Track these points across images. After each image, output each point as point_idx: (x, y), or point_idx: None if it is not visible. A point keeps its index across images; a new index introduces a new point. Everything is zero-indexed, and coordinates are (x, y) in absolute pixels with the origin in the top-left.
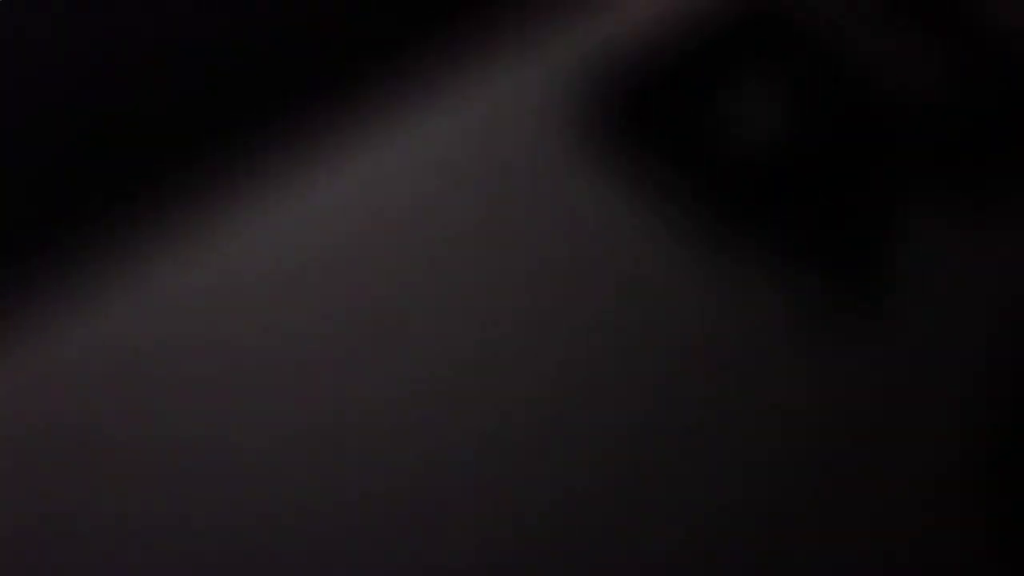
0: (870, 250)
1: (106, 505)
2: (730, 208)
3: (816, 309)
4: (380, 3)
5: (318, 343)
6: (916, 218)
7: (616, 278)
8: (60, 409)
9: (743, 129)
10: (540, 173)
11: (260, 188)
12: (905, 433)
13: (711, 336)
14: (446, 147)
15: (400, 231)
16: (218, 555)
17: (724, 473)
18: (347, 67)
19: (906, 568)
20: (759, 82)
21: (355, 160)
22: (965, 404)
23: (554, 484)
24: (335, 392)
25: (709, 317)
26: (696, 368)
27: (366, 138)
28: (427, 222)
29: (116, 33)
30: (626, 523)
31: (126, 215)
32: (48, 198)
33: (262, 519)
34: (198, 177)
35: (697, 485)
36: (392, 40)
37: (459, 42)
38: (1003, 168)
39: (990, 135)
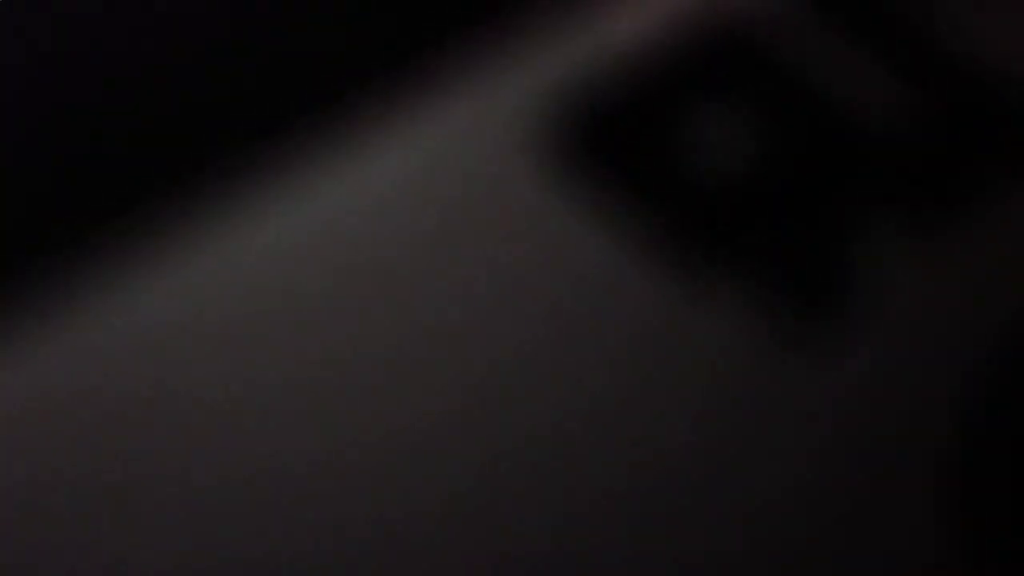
0: (843, 269)
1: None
2: (704, 228)
3: (789, 328)
4: (359, 17)
5: (293, 361)
6: (888, 235)
7: (589, 298)
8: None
9: (717, 151)
10: (513, 196)
11: (236, 199)
12: (881, 447)
13: (682, 353)
14: (418, 166)
15: (372, 247)
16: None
17: (702, 484)
18: (324, 82)
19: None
20: (734, 105)
21: (328, 176)
22: (934, 417)
23: (535, 494)
24: (310, 419)
25: (682, 335)
26: (668, 386)
27: (341, 152)
28: (399, 242)
29: (112, 33)
30: (619, 541)
31: (115, 218)
32: (42, 201)
33: (262, 543)
34: (179, 182)
35: (676, 498)
36: (369, 55)
37: (433, 62)
38: (975, 185)
39: (961, 154)
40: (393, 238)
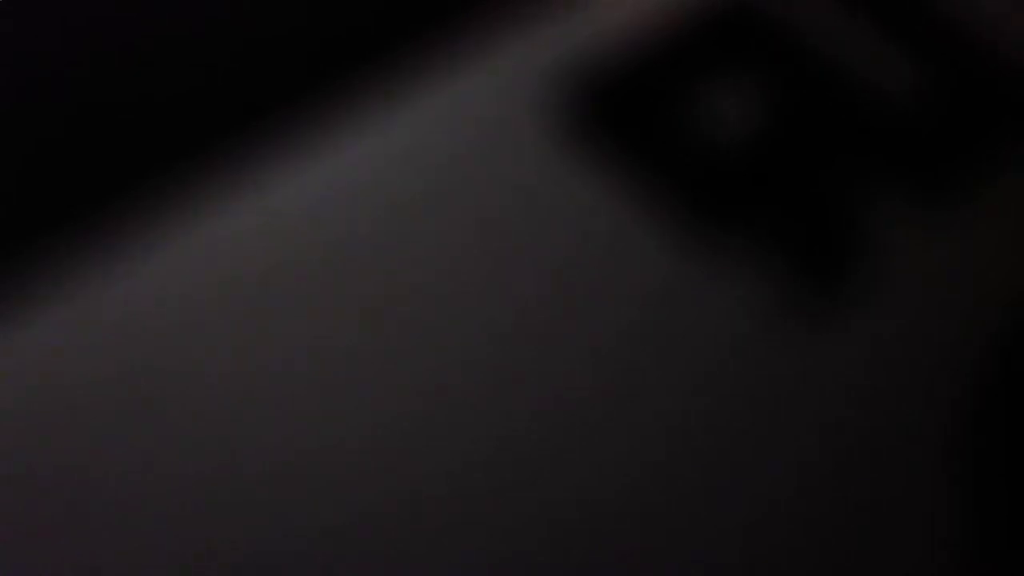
0: (849, 240)
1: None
2: (711, 197)
3: (795, 295)
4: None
5: (296, 345)
6: (895, 206)
7: (597, 265)
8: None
9: (725, 120)
10: (522, 164)
11: (231, 187)
12: (879, 426)
13: (688, 326)
14: (422, 146)
15: (375, 228)
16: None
17: (699, 462)
18: (331, 54)
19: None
20: (742, 74)
21: (328, 158)
22: (939, 384)
23: (530, 464)
24: (305, 403)
25: (688, 302)
26: (674, 351)
27: (340, 135)
28: (407, 210)
29: (99, 17)
30: (608, 523)
31: (113, 196)
32: (27, 188)
33: (262, 538)
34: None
35: (671, 469)
36: (377, 26)
37: (437, 41)
38: (982, 159)
39: (968, 127)
40: (402, 207)
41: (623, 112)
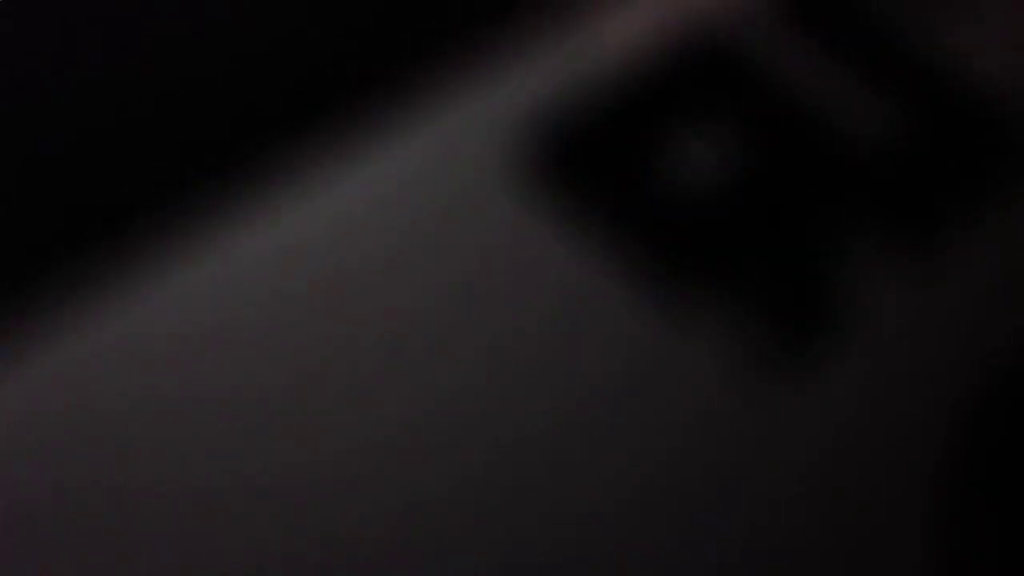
0: (827, 291)
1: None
2: (685, 248)
3: (771, 351)
4: (335, 35)
5: (270, 374)
6: (874, 257)
7: (567, 319)
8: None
9: (699, 170)
10: (492, 215)
11: (216, 215)
12: (865, 474)
13: (661, 376)
14: (396, 184)
15: (347, 264)
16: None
17: (673, 519)
18: (300, 100)
19: None
20: (715, 125)
21: (303, 193)
22: (920, 443)
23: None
24: (279, 450)
25: (661, 357)
26: (646, 408)
27: (316, 169)
28: (374, 259)
29: (111, 34)
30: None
31: (111, 225)
32: (40, 206)
33: (262, 551)
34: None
35: (643, 527)
36: (346, 73)
37: (412, 77)
38: (962, 204)
39: (945, 180)
40: (369, 256)
41: (594, 161)
